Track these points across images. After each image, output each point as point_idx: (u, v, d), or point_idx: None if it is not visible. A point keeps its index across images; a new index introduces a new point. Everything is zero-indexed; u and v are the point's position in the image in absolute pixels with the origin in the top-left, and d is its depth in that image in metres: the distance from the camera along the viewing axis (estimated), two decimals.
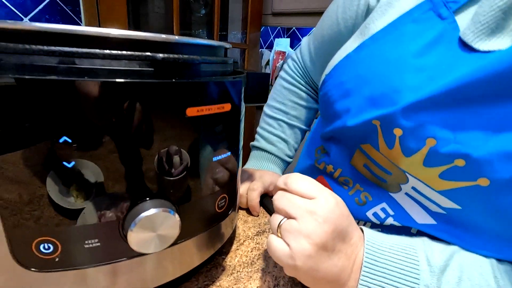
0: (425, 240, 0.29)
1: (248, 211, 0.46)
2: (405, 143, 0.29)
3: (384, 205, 0.35)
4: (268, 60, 1.78)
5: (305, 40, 0.54)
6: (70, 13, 1.01)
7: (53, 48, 0.18)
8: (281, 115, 0.55)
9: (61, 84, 0.17)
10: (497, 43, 0.25)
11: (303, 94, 0.55)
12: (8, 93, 0.17)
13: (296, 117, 0.55)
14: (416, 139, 0.28)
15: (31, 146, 0.17)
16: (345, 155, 0.38)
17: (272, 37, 1.98)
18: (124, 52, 0.20)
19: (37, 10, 0.93)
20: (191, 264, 0.28)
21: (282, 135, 0.55)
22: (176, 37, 0.22)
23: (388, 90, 0.29)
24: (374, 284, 0.25)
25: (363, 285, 0.25)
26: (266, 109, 0.57)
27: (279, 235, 0.26)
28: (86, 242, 0.19)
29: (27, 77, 0.16)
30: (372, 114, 0.31)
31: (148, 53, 0.20)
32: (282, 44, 1.77)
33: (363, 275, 0.25)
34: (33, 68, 0.18)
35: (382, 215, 0.36)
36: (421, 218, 0.33)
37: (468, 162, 0.26)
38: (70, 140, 0.17)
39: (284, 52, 1.73)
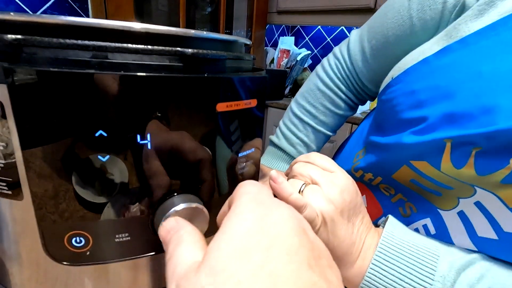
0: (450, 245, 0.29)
1: None
2: (482, 162, 0.25)
3: (427, 221, 0.32)
4: (273, 59, 1.78)
5: (355, 36, 0.46)
6: (78, 10, 1.01)
7: (87, 42, 0.18)
8: (309, 118, 0.50)
9: (95, 78, 0.17)
10: None
11: (339, 102, 0.49)
12: (42, 86, 0.17)
13: (324, 123, 0.50)
14: (500, 159, 0.24)
15: (66, 139, 0.17)
16: (388, 168, 0.34)
17: (276, 35, 1.98)
18: (155, 47, 0.20)
19: (45, 6, 0.93)
20: None
21: (305, 138, 0.51)
22: (204, 32, 0.22)
23: (476, 110, 0.24)
24: (387, 265, 0.26)
25: (376, 264, 0.26)
26: (294, 106, 0.52)
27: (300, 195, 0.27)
28: (117, 236, 0.19)
29: (63, 70, 0.16)
30: (446, 134, 0.26)
31: (178, 48, 0.20)
32: (286, 42, 1.77)
33: (379, 251, 0.26)
34: (66, 62, 0.18)
35: (422, 232, 0.33)
36: (463, 241, 0.29)
37: None
38: (105, 134, 0.17)
39: (288, 51, 1.73)
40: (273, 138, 0.54)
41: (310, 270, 0.13)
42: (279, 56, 1.74)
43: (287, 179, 0.31)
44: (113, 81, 0.18)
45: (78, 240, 0.19)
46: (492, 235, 0.28)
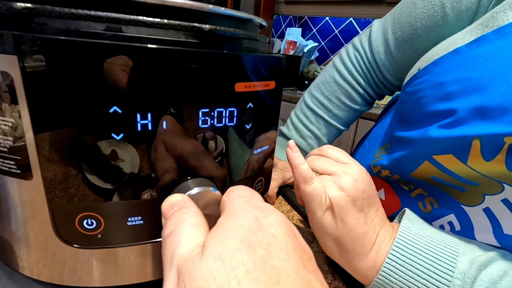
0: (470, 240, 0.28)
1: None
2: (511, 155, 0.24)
3: (452, 217, 0.32)
4: (279, 50, 1.75)
5: (378, 27, 0.43)
6: None
7: (100, 13, 0.17)
8: (323, 111, 0.48)
9: (110, 49, 0.16)
10: None
11: (356, 96, 0.47)
12: (54, 57, 0.16)
13: (338, 117, 0.49)
14: None
15: (81, 117, 0.16)
16: (408, 165, 0.33)
17: (283, 26, 1.95)
18: (171, 21, 0.18)
19: None
20: None
21: (317, 132, 0.49)
22: (222, 8, 0.21)
23: (510, 103, 0.23)
24: (403, 261, 0.25)
25: (392, 259, 0.25)
26: (307, 97, 0.50)
27: None
28: (130, 219, 0.19)
29: (76, 39, 0.15)
30: (477, 130, 0.25)
31: (196, 24, 0.19)
32: (293, 33, 1.74)
33: (395, 246, 0.25)
34: (78, 34, 0.17)
35: (447, 229, 0.33)
36: (488, 238, 0.29)
37: None
38: (120, 111, 0.16)
39: (295, 42, 1.70)
40: (283, 129, 0.53)
41: (305, 269, 0.14)
42: (285, 47, 1.72)
43: None
44: (127, 53, 0.17)
45: (89, 222, 0.18)
46: None
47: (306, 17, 1.90)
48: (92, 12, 0.17)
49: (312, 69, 1.80)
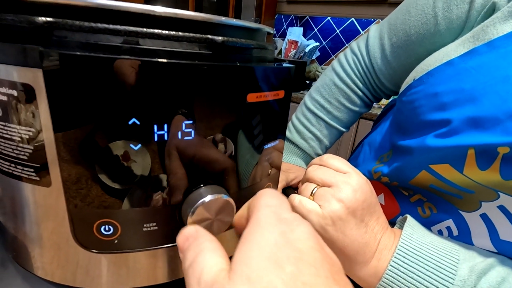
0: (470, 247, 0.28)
1: None
2: (508, 166, 0.24)
3: (450, 222, 0.32)
4: (281, 50, 1.75)
5: (375, 32, 0.44)
6: None
7: (118, 27, 0.17)
8: (323, 113, 0.49)
9: (127, 63, 0.17)
10: None
11: (355, 98, 0.48)
12: (76, 71, 0.16)
13: (338, 119, 0.50)
14: None
15: (97, 126, 0.17)
16: (406, 173, 0.34)
17: (285, 26, 1.95)
18: (186, 33, 0.19)
19: None
20: (230, 252, 0.28)
21: (318, 133, 0.50)
22: (234, 19, 0.21)
23: (502, 114, 0.23)
24: (405, 268, 0.25)
25: (394, 266, 0.26)
26: (307, 100, 0.51)
27: (312, 198, 0.28)
28: (145, 225, 0.19)
29: (98, 55, 0.16)
30: (472, 140, 0.25)
31: (209, 36, 0.20)
32: (295, 33, 1.74)
33: (398, 253, 0.26)
34: (97, 47, 0.17)
35: (445, 234, 0.33)
36: (484, 243, 0.30)
37: None
38: (138, 123, 0.17)
39: (296, 42, 1.71)
40: (286, 132, 0.54)
41: (336, 283, 0.14)
42: (287, 47, 1.72)
43: (302, 183, 0.31)
44: (147, 68, 0.17)
45: (107, 229, 0.19)
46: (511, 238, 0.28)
47: (307, 17, 1.90)
48: (111, 26, 0.17)
49: (313, 69, 1.80)
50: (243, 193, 0.24)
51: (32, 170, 0.19)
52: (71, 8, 0.17)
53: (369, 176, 0.41)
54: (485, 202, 0.29)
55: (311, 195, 0.28)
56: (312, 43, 1.72)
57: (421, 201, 0.35)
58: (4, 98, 0.17)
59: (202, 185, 0.21)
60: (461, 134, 0.26)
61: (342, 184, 0.27)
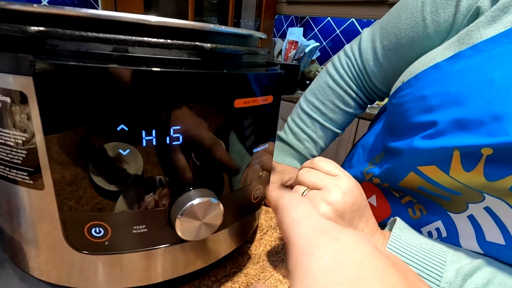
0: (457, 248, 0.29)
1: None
2: (491, 168, 0.25)
3: (439, 224, 0.33)
4: (281, 50, 1.75)
5: (367, 36, 0.45)
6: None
7: (108, 35, 0.18)
8: (318, 114, 0.50)
9: (115, 72, 0.17)
10: None
11: (348, 99, 0.49)
12: (65, 79, 0.17)
13: (333, 120, 0.51)
14: (506, 167, 0.24)
15: (87, 130, 0.18)
16: (396, 175, 0.34)
17: (285, 26, 1.95)
18: (175, 41, 0.19)
19: None
20: (222, 252, 0.29)
21: (313, 135, 0.51)
22: (223, 26, 0.22)
23: (486, 117, 0.24)
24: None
25: None
26: (303, 102, 0.52)
27: None
28: (135, 227, 0.20)
29: (85, 64, 0.17)
30: (457, 141, 0.26)
31: (197, 43, 0.20)
32: (295, 33, 1.74)
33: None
34: (88, 55, 0.18)
35: (435, 235, 0.34)
36: (471, 244, 0.30)
37: None
38: (127, 129, 0.17)
39: (296, 42, 1.71)
40: (281, 133, 0.54)
41: (407, 280, 0.13)
42: (287, 47, 1.72)
43: (293, 186, 0.31)
44: (132, 76, 0.18)
45: (97, 231, 0.19)
46: (500, 240, 0.28)
47: (307, 17, 1.90)
48: (101, 35, 0.18)
49: (313, 69, 1.80)
50: (233, 196, 0.24)
51: (25, 173, 0.19)
52: (62, 18, 0.18)
53: (361, 177, 0.42)
54: (472, 204, 0.29)
55: (302, 195, 0.28)
56: (312, 44, 1.72)
57: (412, 202, 0.36)
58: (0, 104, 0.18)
59: (191, 188, 0.21)
60: (446, 136, 0.26)
61: (332, 187, 0.27)
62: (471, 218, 0.30)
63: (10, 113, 0.18)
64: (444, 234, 0.33)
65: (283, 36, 1.92)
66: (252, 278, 0.31)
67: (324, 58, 1.89)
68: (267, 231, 0.39)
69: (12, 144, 0.19)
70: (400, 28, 0.38)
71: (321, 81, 0.50)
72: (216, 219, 0.21)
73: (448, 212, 0.32)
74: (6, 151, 0.19)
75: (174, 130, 0.19)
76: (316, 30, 1.90)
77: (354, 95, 0.49)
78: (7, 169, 0.20)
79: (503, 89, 0.23)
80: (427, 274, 0.25)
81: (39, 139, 0.18)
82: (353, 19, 1.70)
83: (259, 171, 0.26)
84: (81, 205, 0.19)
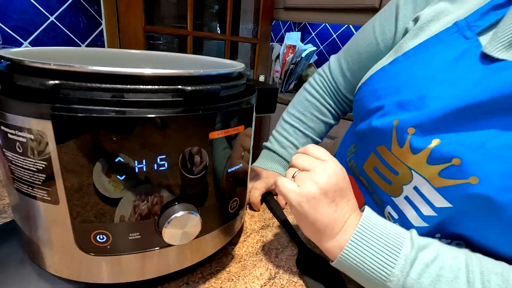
0: (413, 231, 0.34)
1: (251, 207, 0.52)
2: (414, 141, 0.34)
3: (389, 208, 0.41)
4: (278, 54, 1.80)
5: (334, 58, 0.58)
6: (91, 10, 1.05)
7: (108, 86, 0.23)
8: (299, 123, 0.59)
9: (112, 120, 0.22)
10: None
11: (323, 109, 0.59)
12: (75, 123, 0.22)
13: (312, 129, 0.60)
14: (424, 138, 0.33)
15: (94, 162, 0.23)
16: (362, 157, 0.44)
17: (283, 31, 1.99)
18: (161, 86, 0.24)
19: (62, 8, 0.98)
20: (206, 253, 0.34)
21: (295, 142, 0.59)
22: (201, 71, 0.27)
23: (415, 97, 0.34)
24: (363, 242, 0.31)
25: (353, 240, 0.31)
26: (285, 115, 0.61)
27: (293, 180, 0.33)
28: (130, 235, 0.25)
29: (90, 115, 0.22)
30: (398, 117, 0.36)
31: (179, 86, 0.25)
32: (292, 37, 1.78)
33: (357, 231, 0.31)
34: (92, 101, 0.23)
35: (392, 220, 0.41)
36: (416, 221, 0.38)
37: (463, 161, 0.31)
38: (122, 160, 0.22)
39: (294, 46, 1.75)
40: (267, 144, 0.61)
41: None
42: (285, 51, 1.76)
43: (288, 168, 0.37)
44: (124, 121, 0.23)
45: (101, 237, 0.24)
46: (432, 212, 0.35)
47: (305, 22, 1.93)
48: (102, 85, 0.23)
49: (310, 73, 1.84)
50: (212, 208, 0.29)
51: (44, 192, 0.25)
52: (73, 73, 0.23)
53: (346, 166, 0.50)
54: (405, 186, 0.37)
55: (292, 177, 0.33)
56: (309, 48, 1.76)
57: (372, 193, 0.44)
58: (24, 140, 0.23)
59: (176, 203, 0.26)
60: (390, 115, 0.37)
61: (319, 170, 0.32)
62: (407, 199, 0.38)
63: (32, 146, 0.23)
64: (396, 216, 0.40)
65: (281, 40, 1.96)
66: (233, 275, 0.36)
67: (321, 61, 1.93)
68: (250, 234, 0.44)
69: (34, 169, 0.24)
70: (359, 47, 0.51)
71: (301, 96, 0.60)
72: (195, 228, 0.26)
73: (391, 197, 0.40)
74: (29, 175, 0.25)
75: (160, 158, 0.24)
76: (313, 34, 1.94)
77: (328, 106, 0.59)
78: (30, 188, 0.25)
79: (424, 80, 0.35)
80: (388, 247, 0.30)
81: (55, 166, 0.23)
82: (349, 25, 1.73)
83: (235, 187, 0.31)
84: (88, 217, 0.24)
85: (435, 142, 0.33)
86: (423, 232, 0.36)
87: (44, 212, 0.26)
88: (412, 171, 0.36)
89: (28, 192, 0.25)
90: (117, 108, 0.23)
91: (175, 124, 0.24)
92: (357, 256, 0.31)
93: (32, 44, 0.96)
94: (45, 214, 0.26)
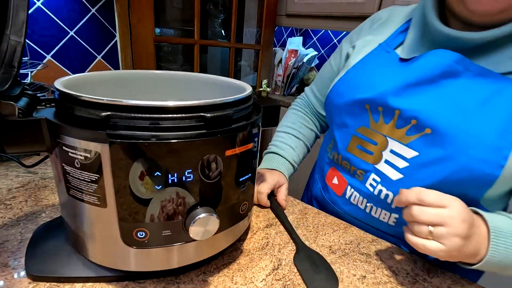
0: None
1: (259, 206, 0.58)
2: (384, 115, 0.50)
3: (373, 175, 0.52)
4: (281, 59, 1.85)
5: (308, 88, 0.80)
6: (105, 23, 1.12)
7: (147, 115, 0.29)
8: (291, 130, 0.73)
9: (150, 145, 0.29)
10: (416, 53, 0.49)
11: (308, 119, 0.77)
12: (125, 146, 0.28)
13: (302, 134, 0.74)
14: (390, 112, 0.49)
15: (138, 175, 0.29)
16: (343, 143, 0.57)
17: (285, 36, 2.05)
18: (187, 114, 0.31)
19: (81, 23, 1.05)
20: (220, 248, 0.40)
21: (291, 144, 0.71)
22: (218, 99, 0.33)
23: (366, 85, 0.53)
24: (501, 246, 0.37)
25: (493, 249, 0.37)
26: (279, 129, 0.75)
27: (430, 238, 0.36)
28: (163, 232, 0.32)
29: (136, 141, 0.28)
30: (356, 96, 0.53)
31: (201, 113, 0.32)
32: (295, 42, 1.84)
33: (492, 241, 0.37)
34: (135, 128, 0.30)
35: (375, 184, 0.52)
36: (395, 176, 0.49)
37: (418, 120, 0.46)
38: (160, 174, 0.29)
39: (296, 51, 1.81)
40: (266, 151, 0.73)
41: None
42: (287, 56, 1.82)
43: (408, 224, 0.39)
44: (158, 146, 0.29)
45: (141, 234, 0.31)
46: (405, 164, 0.48)
47: None
48: (143, 115, 0.29)
49: (312, 76, 1.90)
50: (226, 210, 0.36)
51: (95, 198, 0.31)
52: (120, 106, 0.29)
53: (328, 160, 0.63)
54: (383, 151, 0.51)
55: (430, 233, 0.36)
56: (311, 52, 1.81)
57: (355, 171, 0.55)
58: (83, 158, 0.30)
59: (199, 206, 0.33)
60: (349, 95, 0.54)
61: (451, 220, 0.35)
62: (387, 162, 0.50)
63: (89, 163, 0.30)
64: (378, 179, 0.51)
65: (283, 45, 2.02)
66: (242, 266, 0.42)
67: (322, 65, 1.99)
68: (256, 231, 0.51)
69: (89, 180, 0.31)
70: (324, 78, 0.71)
71: (289, 113, 0.78)
72: (214, 226, 0.33)
73: (374, 166, 0.52)
74: (84, 184, 0.31)
75: (187, 172, 0.30)
76: (315, 39, 2.00)
77: (311, 118, 0.77)
78: (84, 195, 0.32)
79: (370, 77, 0.53)
80: None
81: (107, 178, 0.30)
82: (349, 31, 1.78)
83: (245, 192, 0.38)
84: (132, 218, 0.30)
85: (397, 112, 0.48)
86: (403, 185, 0.48)
87: (92, 213, 0.33)
88: (387, 137, 0.50)
89: (81, 198, 0.32)
90: (154, 133, 0.29)
91: (199, 144, 0.30)
92: (499, 257, 0.37)
93: (54, 57, 1.03)
94: (93, 215, 0.33)
